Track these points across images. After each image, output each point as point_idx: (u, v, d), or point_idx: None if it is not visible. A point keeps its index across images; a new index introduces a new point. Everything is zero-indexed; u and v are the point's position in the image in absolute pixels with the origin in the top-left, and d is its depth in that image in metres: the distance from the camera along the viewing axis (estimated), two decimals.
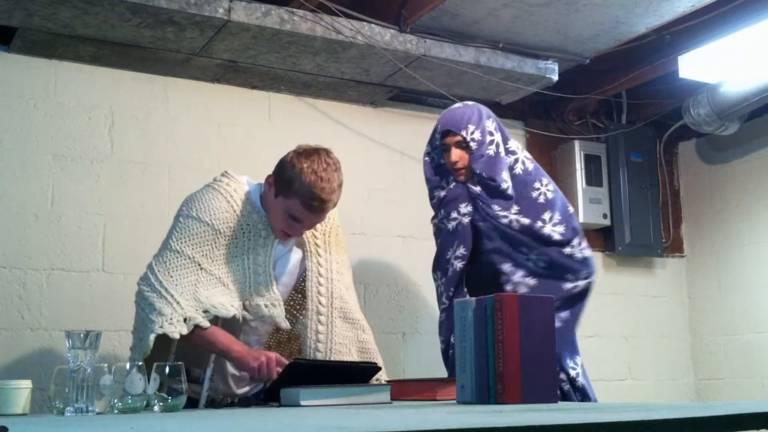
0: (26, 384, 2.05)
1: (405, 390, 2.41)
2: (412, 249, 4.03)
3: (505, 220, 2.76)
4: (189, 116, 3.64)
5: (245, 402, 2.40)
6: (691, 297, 4.86)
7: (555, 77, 3.82)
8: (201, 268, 2.39)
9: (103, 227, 3.39)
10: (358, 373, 2.34)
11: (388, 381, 2.48)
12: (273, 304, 2.45)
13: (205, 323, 2.33)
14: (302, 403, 2.07)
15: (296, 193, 2.39)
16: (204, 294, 2.35)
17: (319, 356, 2.52)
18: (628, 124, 4.65)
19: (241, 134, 3.74)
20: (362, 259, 3.76)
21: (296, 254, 2.60)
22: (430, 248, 4.21)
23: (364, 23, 3.39)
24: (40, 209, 3.29)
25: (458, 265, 2.81)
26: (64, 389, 1.92)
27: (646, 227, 4.62)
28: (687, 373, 4.78)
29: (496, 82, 3.76)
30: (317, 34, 3.30)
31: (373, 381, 2.40)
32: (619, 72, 4.16)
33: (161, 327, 2.27)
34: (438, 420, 1.31)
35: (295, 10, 3.26)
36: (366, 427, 1.17)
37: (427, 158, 2.90)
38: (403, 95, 4.05)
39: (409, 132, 4.13)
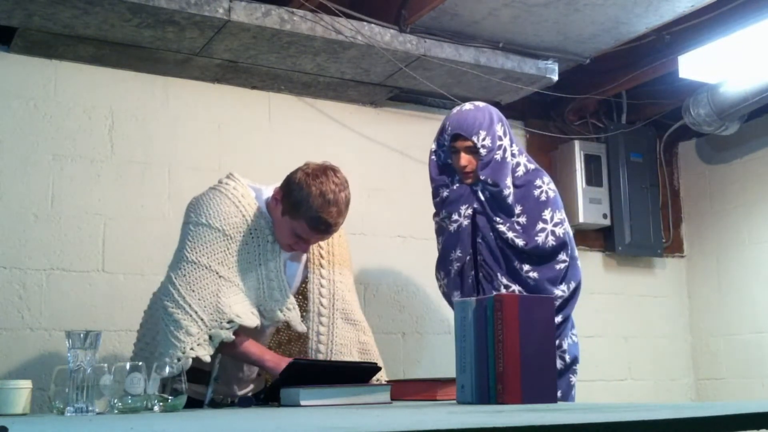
0: (26, 384, 2.04)
1: (405, 390, 2.41)
2: (412, 249, 4.03)
3: (504, 236, 2.75)
4: (189, 116, 3.64)
5: (245, 402, 2.40)
6: (691, 297, 4.86)
7: (555, 77, 3.82)
8: (219, 277, 2.39)
9: (103, 227, 3.39)
10: (358, 373, 2.34)
11: (388, 381, 2.48)
12: (288, 308, 2.46)
13: (230, 337, 2.34)
14: (302, 403, 2.07)
15: (303, 216, 2.39)
16: (226, 303, 2.36)
17: (321, 357, 2.52)
18: (628, 124, 4.65)
19: (241, 134, 3.74)
20: (362, 259, 3.76)
21: (300, 257, 2.60)
22: (430, 248, 4.20)
23: (364, 23, 3.39)
24: (40, 209, 3.29)
25: (456, 266, 2.81)
26: (64, 389, 1.92)
27: (646, 227, 4.62)
28: (687, 373, 4.78)
29: (496, 82, 3.76)
30: (317, 34, 3.30)
31: (373, 381, 2.40)
32: (619, 72, 4.16)
33: (193, 349, 2.29)
34: (438, 420, 1.31)
35: (295, 10, 3.26)
36: (366, 427, 1.17)
37: (433, 157, 2.87)
38: (403, 95, 4.05)
39: (409, 132, 4.13)
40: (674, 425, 1.18)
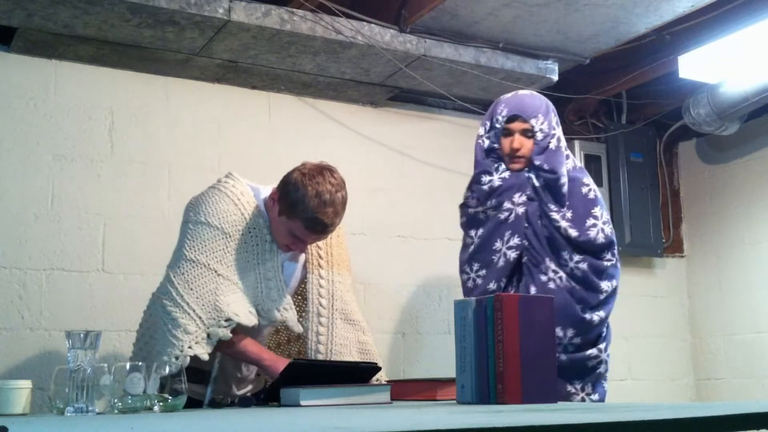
0: (26, 384, 2.05)
1: (405, 390, 2.41)
2: (412, 249, 4.03)
3: (557, 224, 2.70)
4: (189, 116, 3.64)
5: (245, 402, 2.40)
6: (691, 297, 4.86)
7: (555, 77, 3.82)
8: (218, 275, 2.39)
9: (103, 227, 3.39)
10: (358, 373, 2.34)
11: (388, 381, 2.48)
12: (285, 308, 2.46)
13: (228, 335, 2.34)
14: (302, 403, 2.07)
15: (300, 217, 2.39)
16: (224, 301, 2.37)
17: (320, 357, 2.52)
18: (628, 124, 4.65)
19: (241, 134, 3.74)
20: (362, 259, 3.76)
21: (298, 257, 2.60)
22: (430, 248, 4.20)
23: (364, 23, 3.39)
24: (40, 209, 3.29)
25: (512, 255, 2.69)
26: (64, 389, 1.92)
27: (646, 227, 4.62)
28: (687, 373, 4.78)
29: (496, 82, 3.76)
30: (317, 34, 3.30)
31: (373, 381, 2.40)
32: (619, 72, 4.16)
33: (191, 348, 2.30)
34: (438, 420, 1.31)
35: (295, 10, 3.27)
36: (366, 427, 1.17)
37: (480, 141, 2.79)
38: (403, 95, 4.05)
39: (409, 132, 4.14)
40: (674, 425, 1.18)
